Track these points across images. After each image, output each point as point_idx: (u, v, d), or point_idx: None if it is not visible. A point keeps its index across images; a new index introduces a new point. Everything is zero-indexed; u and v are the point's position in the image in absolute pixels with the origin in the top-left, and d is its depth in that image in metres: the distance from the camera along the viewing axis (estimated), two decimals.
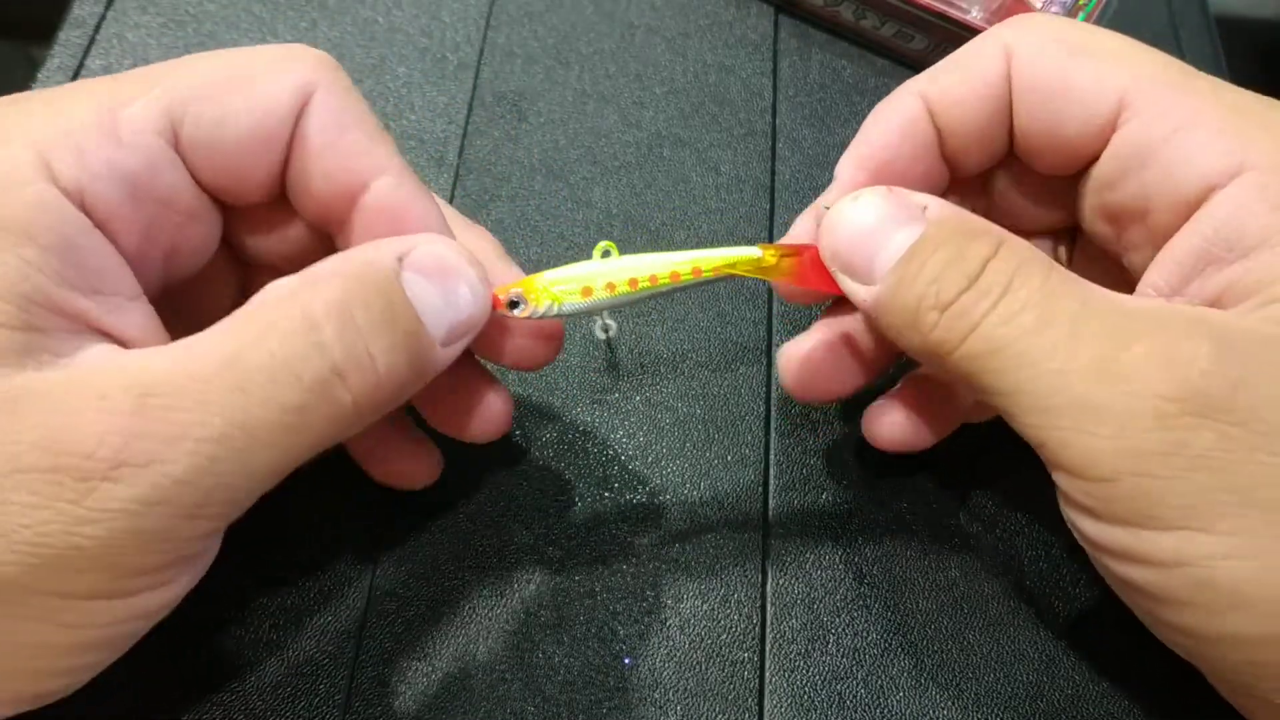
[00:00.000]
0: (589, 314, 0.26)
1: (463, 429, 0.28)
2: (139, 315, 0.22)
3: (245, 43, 0.39)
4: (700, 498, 0.32)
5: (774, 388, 0.34)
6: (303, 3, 0.41)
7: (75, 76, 0.38)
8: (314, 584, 0.30)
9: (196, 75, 0.23)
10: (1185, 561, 0.21)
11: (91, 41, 0.39)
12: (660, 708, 0.29)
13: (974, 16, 0.38)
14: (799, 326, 0.35)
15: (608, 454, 0.33)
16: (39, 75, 0.38)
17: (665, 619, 0.30)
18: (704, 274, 0.26)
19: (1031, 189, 0.29)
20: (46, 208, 0.21)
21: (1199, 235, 0.23)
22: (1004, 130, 0.27)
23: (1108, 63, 0.25)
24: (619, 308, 0.27)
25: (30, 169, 0.21)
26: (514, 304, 0.25)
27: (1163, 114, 0.24)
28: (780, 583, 0.31)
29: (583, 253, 0.36)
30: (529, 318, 0.26)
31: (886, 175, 0.27)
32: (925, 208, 0.24)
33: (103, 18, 0.40)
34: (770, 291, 0.36)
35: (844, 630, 0.30)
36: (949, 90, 0.26)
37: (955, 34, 0.38)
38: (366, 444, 0.29)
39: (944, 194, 0.28)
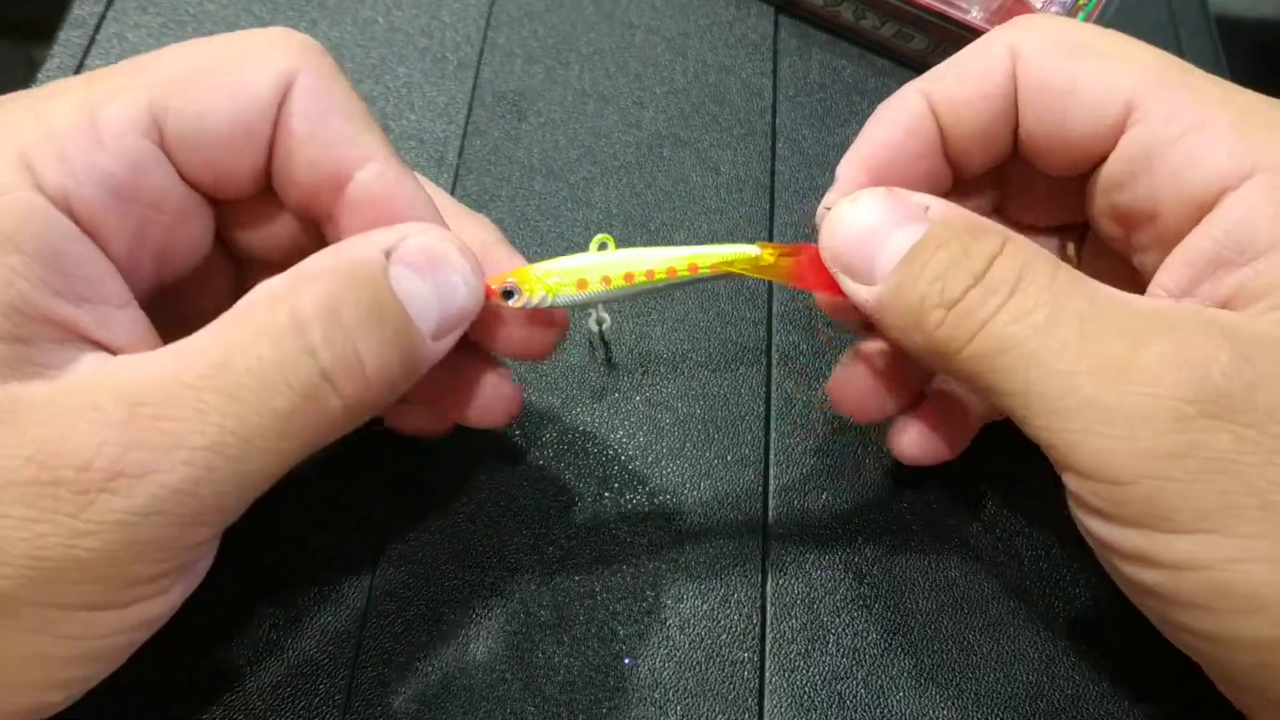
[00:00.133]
0: (584, 306, 0.26)
1: (463, 413, 0.27)
2: (128, 321, 0.22)
3: None
4: (700, 498, 0.32)
5: (774, 388, 0.34)
6: (303, 3, 0.41)
7: (75, 76, 0.38)
8: (314, 584, 0.30)
9: (177, 66, 0.23)
10: (1201, 565, 0.21)
11: (91, 41, 0.39)
12: (660, 708, 0.29)
13: (974, 17, 0.38)
14: (799, 326, 0.35)
15: (608, 454, 0.33)
16: (39, 75, 0.38)
17: (665, 619, 0.30)
18: (701, 271, 0.26)
19: (1037, 189, 0.29)
20: (31, 215, 0.20)
21: (1210, 238, 0.23)
22: (1008, 131, 0.27)
23: (1114, 63, 0.25)
24: (614, 301, 0.26)
25: (13, 174, 0.20)
26: (508, 294, 0.25)
27: (1171, 115, 0.24)
28: (780, 583, 0.31)
29: (582, 252, 0.36)
30: (523, 308, 0.25)
31: (889, 175, 0.26)
32: (927, 207, 0.24)
33: (103, 18, 0.40)
34: (770, 291, 0.36)
35: (844, 630, 0.30)
36: (953, 91, 0.26)
37: (955, 34, 0.38)
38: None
39: (947, 195, 0.28)
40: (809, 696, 0.29)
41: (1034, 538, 0.32)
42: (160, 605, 0.22)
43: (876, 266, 0.24)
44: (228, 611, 0.29)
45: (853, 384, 0.29)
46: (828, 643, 0.30)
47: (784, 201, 0.38)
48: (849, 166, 0.27)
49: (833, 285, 0.26)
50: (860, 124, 0.28)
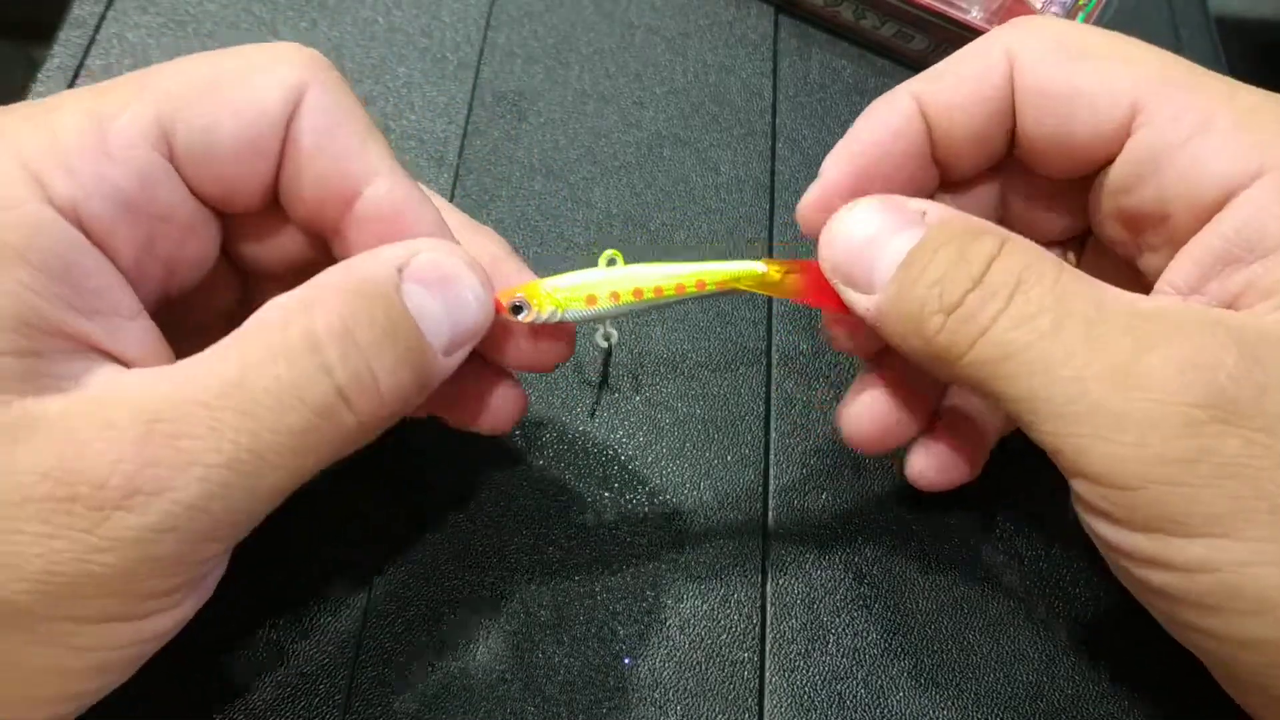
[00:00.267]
0: (592, 322, 0.26)
1: (474, 423, 0.28)
2: (140, 333, 0.22)
3: (246, 43, 0.39)
4: (700, 498, 0.32)
5: (774, 388, 0.34)
6: (303, 3, 0.41)
7: (75, 76, 0.38)
8: (314, 585, 0.30)
9: (185, 80, 0.23)
10: (1212, 568, 0.21)
11: (91, 41, 0.39)
12: (660, 708, 0.29)
13: (974, 16, 0.38)
14: (799, 327, 0.35)
15: (608, 454, 0.33)
16: (39, 75, 0.38)
17: (665, 619, 0.30)
18: (708, 288, 0.26)
19: (1038, 193, 0.29)
20: (42, 227, 0.20)
21: (1219, 236, 0.23)
22: (1003, 134, 0.26)
23: (1116, 66, 0.25)
24: (621, 316, 0.26)
25: (23, 187, 0.20)
26: (517, 309, 0.25)
27: (1177, 117, 0.24)
28: (780, 583, 0.31)
29: (582, 252, 0.36)
30: (532, 324, 0.26)
31: (873, 175, 0.26)
32: (925, 213, 0.24)
33: (103, 18, 0.39)
34: None
35: (844, 630, 0.30)
36: (948, 95, 0.26)
37: (955, 34, 0.38)
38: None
39: (932, 196, 0.28)
40: (809, 696, 0.29)
41: (1034, 538, 0.32)
42: (172, 618, 0.22)
43: (876, 275, 0.24)
44: (228, 612, 0.29)
45: (867, 413, 0.28)
46: (828, 643, 0.30)
47: (784, 201, 0.38)
48: (834, 164, 0.27)
49: (840, 302, 0.25)
50: None
